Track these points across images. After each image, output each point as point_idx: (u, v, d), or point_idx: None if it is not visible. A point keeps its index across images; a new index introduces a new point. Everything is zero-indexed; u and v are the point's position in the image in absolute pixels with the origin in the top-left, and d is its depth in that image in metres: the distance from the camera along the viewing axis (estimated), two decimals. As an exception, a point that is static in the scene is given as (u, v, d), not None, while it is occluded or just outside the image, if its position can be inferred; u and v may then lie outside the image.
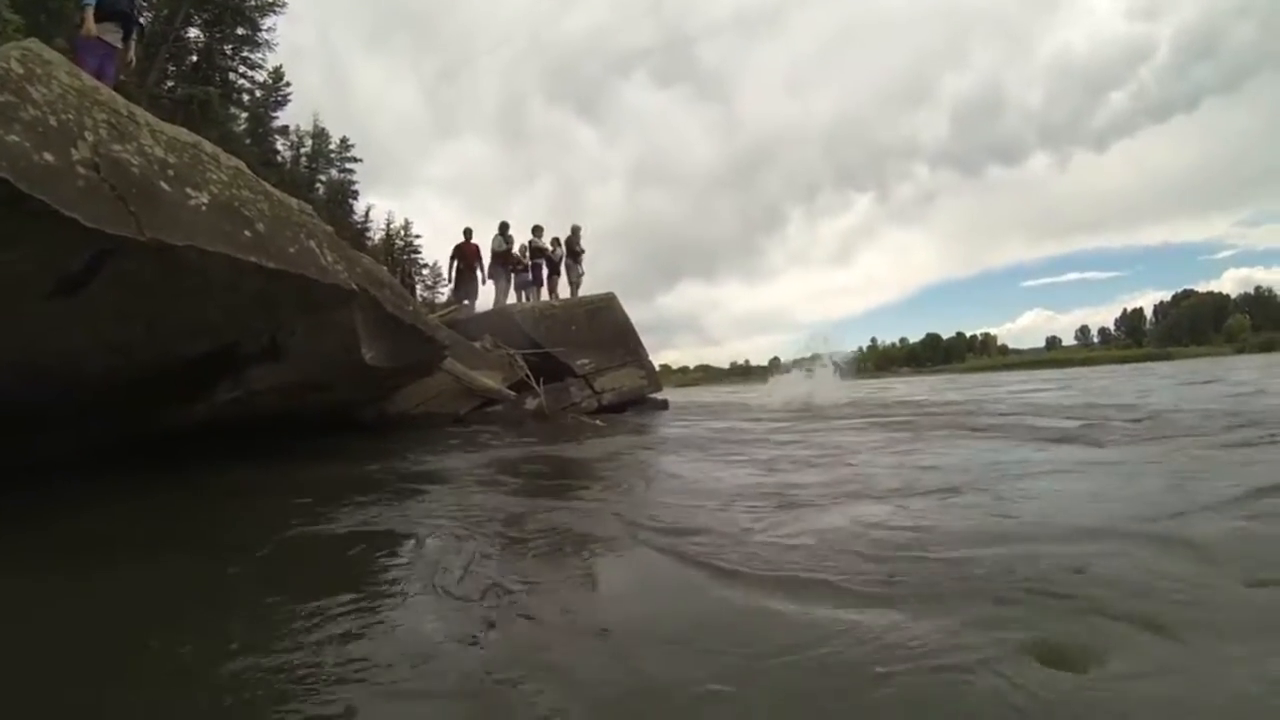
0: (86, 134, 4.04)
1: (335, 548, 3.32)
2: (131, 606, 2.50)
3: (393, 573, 2.83)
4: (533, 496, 4.73)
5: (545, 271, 17.23)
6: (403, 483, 5.31)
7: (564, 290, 17.35)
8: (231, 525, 4.03)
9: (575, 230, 17.86)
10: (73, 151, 3.88)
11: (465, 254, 16.41)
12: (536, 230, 17.22)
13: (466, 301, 16.51)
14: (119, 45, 6.53)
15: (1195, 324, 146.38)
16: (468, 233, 16.60)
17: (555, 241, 17.32)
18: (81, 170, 3.89)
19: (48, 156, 3.68)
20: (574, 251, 17.61)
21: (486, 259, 16.50)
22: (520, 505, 4.33)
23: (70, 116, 3.98)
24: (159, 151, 4.62)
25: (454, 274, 16.71)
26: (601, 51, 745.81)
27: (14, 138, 3.50)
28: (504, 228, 16.47)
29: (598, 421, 11.76)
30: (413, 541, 3.36)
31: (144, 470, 6.10)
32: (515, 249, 16.68)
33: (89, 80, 4.39)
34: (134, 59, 6.87)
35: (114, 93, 4.63)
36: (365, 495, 4.63)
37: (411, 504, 4.44)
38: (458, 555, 2.97)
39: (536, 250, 16.97)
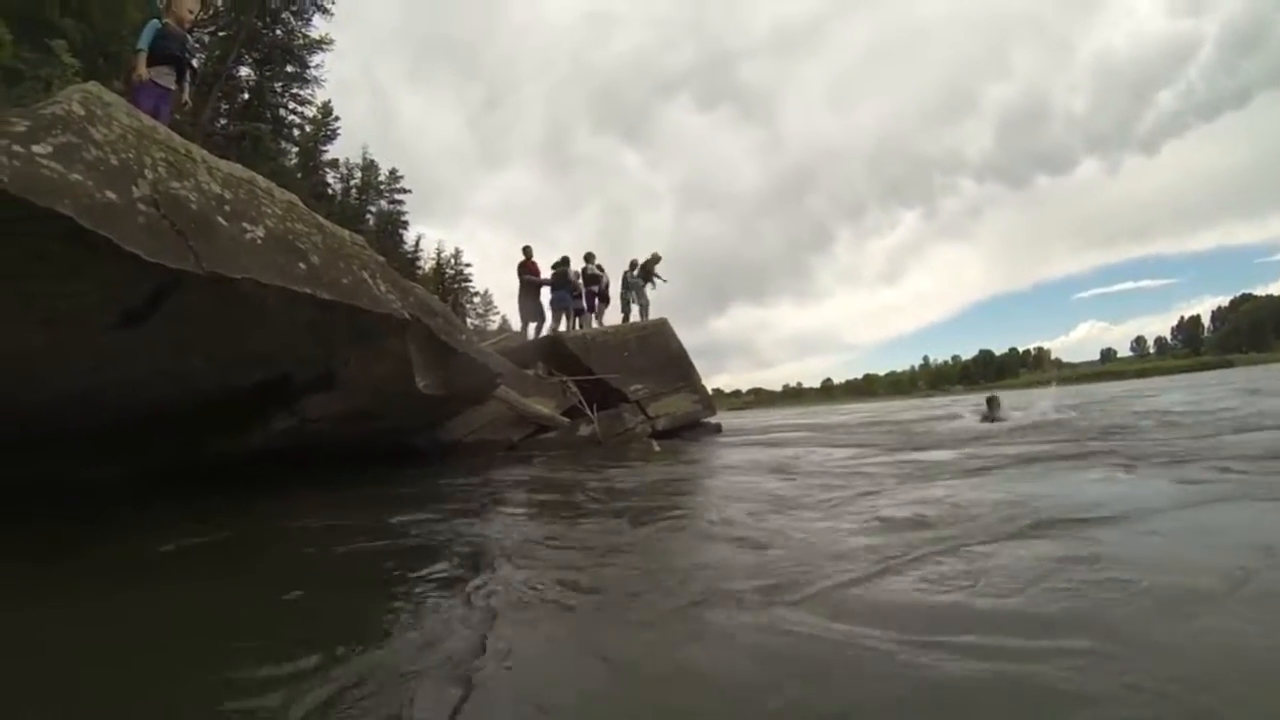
0: (146, 172, 4.13)
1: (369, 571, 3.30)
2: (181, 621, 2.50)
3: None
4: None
5: (596, 299, 17.10)
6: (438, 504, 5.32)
7: (612, 317, 17.35)
8: (273, 551, 4.04)
9: (655, 257, 17.86)
10: (134, 189, 3.97)
11: (529, 271, 16.31)
12: (589, 257, 17.19)
13: (533, 324, 16.37)
14: (172, 88, 6.66)
15: (1255, 330, 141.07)
16: (527, 250, 16.46)
17: (600, 268, 17.28)
18: (142, 207, 3.97)
19: (109, 194, 3.75)
20: (649, 276, 17.60)
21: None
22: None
23: (130, 155, 4.07)
24: (215, 187, 4.70)
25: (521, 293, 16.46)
26: (644, 75, 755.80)
27: (76, 176, 3.58)
28: (564, 261, 16.43)
29: (656, 446, 11.74)
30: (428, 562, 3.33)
31: (198, 496, 6.18)
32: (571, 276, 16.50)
33: (147, 120, 4.49)
34: (189, 100, 7.00)
35: (171, 131, 4.72)
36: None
37: (444, 526, 4.42)
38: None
39: (591, 277, 16.90)
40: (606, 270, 17.48)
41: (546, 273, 16.37)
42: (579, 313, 16.56)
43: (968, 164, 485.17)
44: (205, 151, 4.97)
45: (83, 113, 3.89)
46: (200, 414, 5.84)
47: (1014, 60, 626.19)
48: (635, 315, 17.18)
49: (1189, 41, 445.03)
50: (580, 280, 16.63)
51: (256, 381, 5.93)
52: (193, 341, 4.92)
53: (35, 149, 3.47)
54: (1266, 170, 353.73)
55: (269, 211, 5.18)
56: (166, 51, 6.58)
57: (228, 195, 4.79)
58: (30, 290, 3.76)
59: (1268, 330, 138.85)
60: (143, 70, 6.40)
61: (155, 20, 6.57)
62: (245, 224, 4.83)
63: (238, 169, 5.21)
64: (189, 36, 6.88)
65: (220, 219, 4.59)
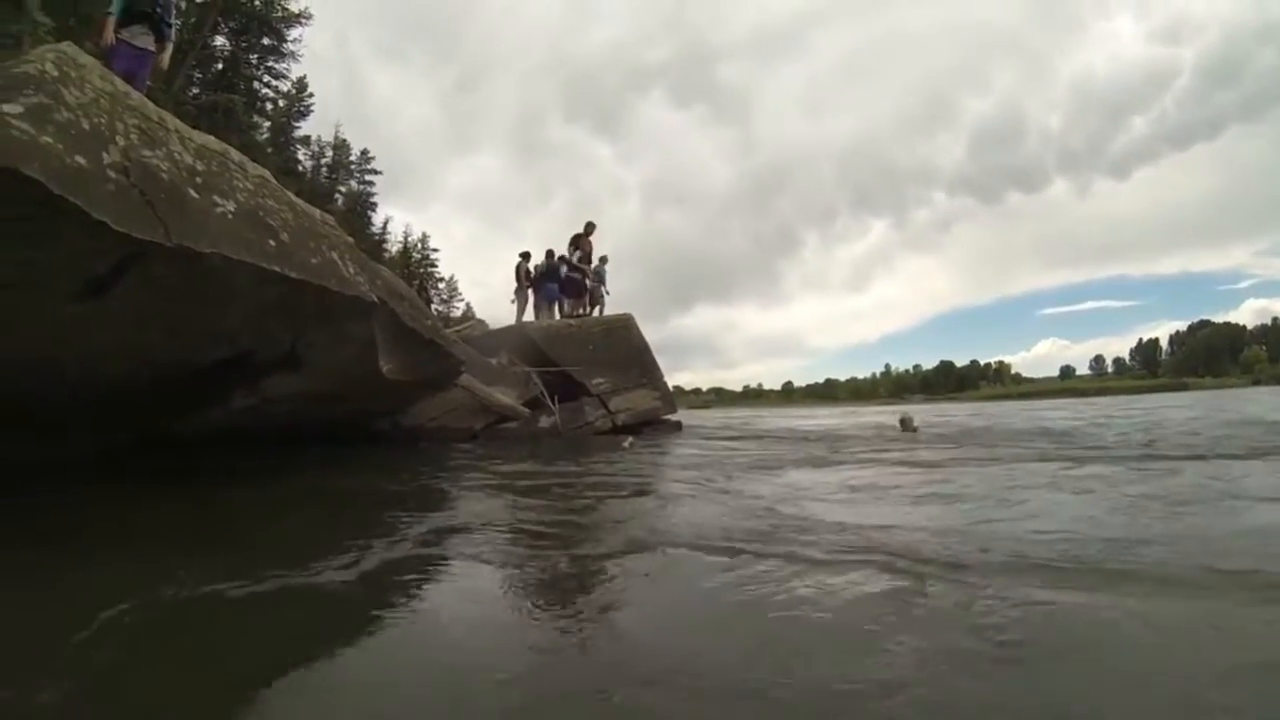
0: (118, 138, 4.05)
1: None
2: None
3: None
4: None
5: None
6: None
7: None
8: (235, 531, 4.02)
9: (604, 260, 17.85)
10: (104, 155, 3.89)
11: (585, 248, 16.45)
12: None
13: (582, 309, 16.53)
14: (150, 49, 6.49)
15: (1211, 355, 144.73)
16: (589, 227, 16.64)
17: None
18: (112, 174, 3.90)
19: (79, 159, 3.67)
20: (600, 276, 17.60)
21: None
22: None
23: (102, 120, 3.99)
24: (188, 158, 4.63)
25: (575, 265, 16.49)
26: (620, 67, 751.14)
27: (47, 139, 3.50)
28: (550, 254, 16.50)
29: (626, 442, 11.73)
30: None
31: (157, 473, 6.12)
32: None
33: (121, 85, 4.41)
34: (165, 62, 6.80)
35: (145, 98, 4.64)
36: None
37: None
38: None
39: (575, 266, 16.72)
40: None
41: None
42: (550, 300, 16.49)
43: (940, 176, 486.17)
44: (179, 121, 4.89)
45: (56, 73, 3.81)
46: (162, 390, 5.76)
47: (992, 75, 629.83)
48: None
49: (1166, 69, 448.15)
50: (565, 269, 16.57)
51: (219, 359, 5.86)
52: (156, 315, 4.82)
53: (5, 108, 3.39)
54: (1234, 201, 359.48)
55: (241, 186, 5.11)
56: (137, 9, 6.40)
57: (200, 167, 4.72)
58: (-8, 255, 3.68)
59: (1223, 356, 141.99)
60: (109, 35, 6.25)
61: None
62: (216, 197, 4.76)
63: (211, 141, 5.13)
64: None
65: (191, 191, 4.52)
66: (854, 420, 21.20)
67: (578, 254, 16.42)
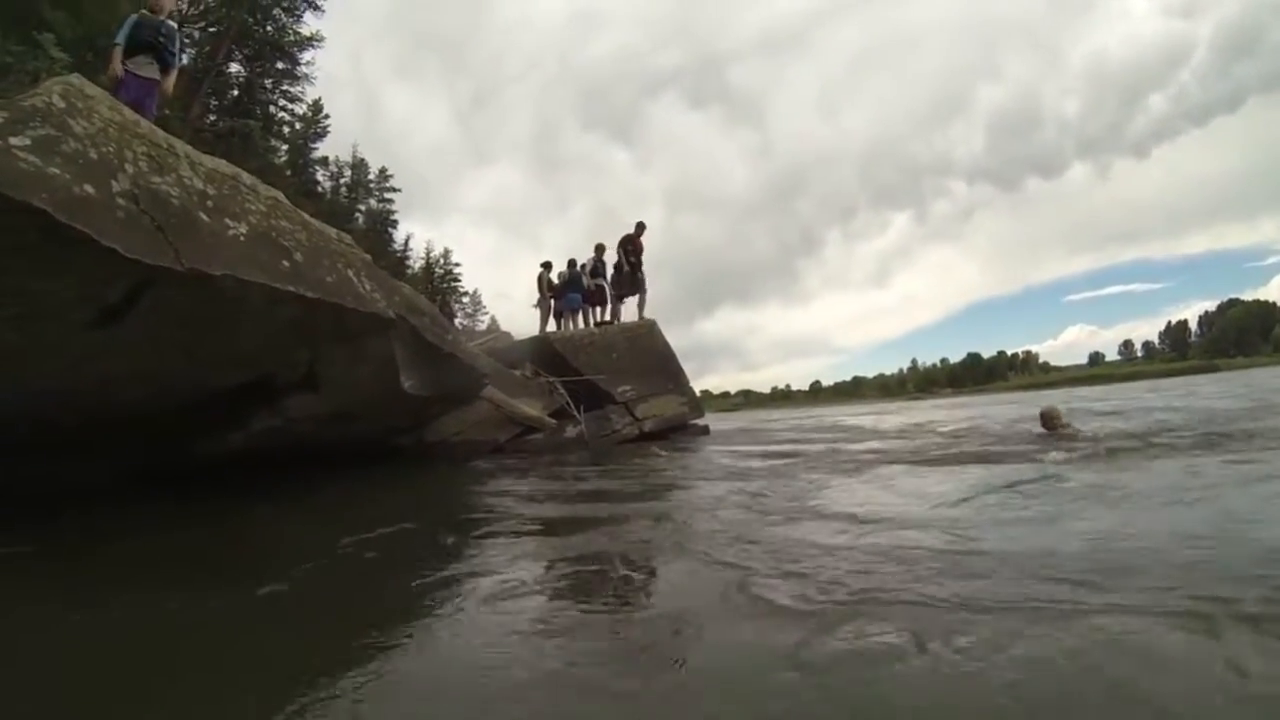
0: (127, 166, 4.08)
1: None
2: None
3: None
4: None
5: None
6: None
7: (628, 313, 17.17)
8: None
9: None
10: (113, 183, 3.92)
11: (636, 248, 16.44)
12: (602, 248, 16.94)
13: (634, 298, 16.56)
14: (157, 78, 6.64)
15: (1242, 334, 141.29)
16: (640, 227, 16.64)
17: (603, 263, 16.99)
18: (121, 202, 3.93)
19: (88, 188, 3.70)
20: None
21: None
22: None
23: (110, 149, 4.02)
24: (198, 183, 4.65)
25: (625, 266, 16.47)
26: (632, 75, 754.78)
27: (54, 170, 3.53)
28: (571, 264, 16.58)
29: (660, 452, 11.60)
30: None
31: (178, 498, 6.16)
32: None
33: (129, 114, 4.45)
34: (170, 88, 6.94)
35: (154, 126, 4.68)
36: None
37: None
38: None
39: (595, 270, 16.72)
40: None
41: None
42: (573, 309, 16.46)
43: (958, 166, 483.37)
44: (189, 146, 4.92)
45: (63, 105, 3.85)
46: (183, 414, 5.79)
47: (1005, 63, 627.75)
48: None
49: (1182, 44, 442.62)
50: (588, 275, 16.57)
51: (240, 382, 5.88)
52: (172, 340, 4.85)
53: (13, 141, 3.43)
54: (1258, 174, 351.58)
55: (252, 208, 5.13)
56: (141, 39, 6.58)
57: (210, 191, 4.74)
58: (4, 285, 3.70)
59: (1254, 334, 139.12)
60: (117, 66, 6.39)
61: (134, 14, 6.63)
62: (228, 220, 4.78)
63: (222, 164, 5.16)
64: (166, 23, 6.85)
65: (202, 215, 4.54)
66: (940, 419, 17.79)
67: (605, 257, 16.45)
